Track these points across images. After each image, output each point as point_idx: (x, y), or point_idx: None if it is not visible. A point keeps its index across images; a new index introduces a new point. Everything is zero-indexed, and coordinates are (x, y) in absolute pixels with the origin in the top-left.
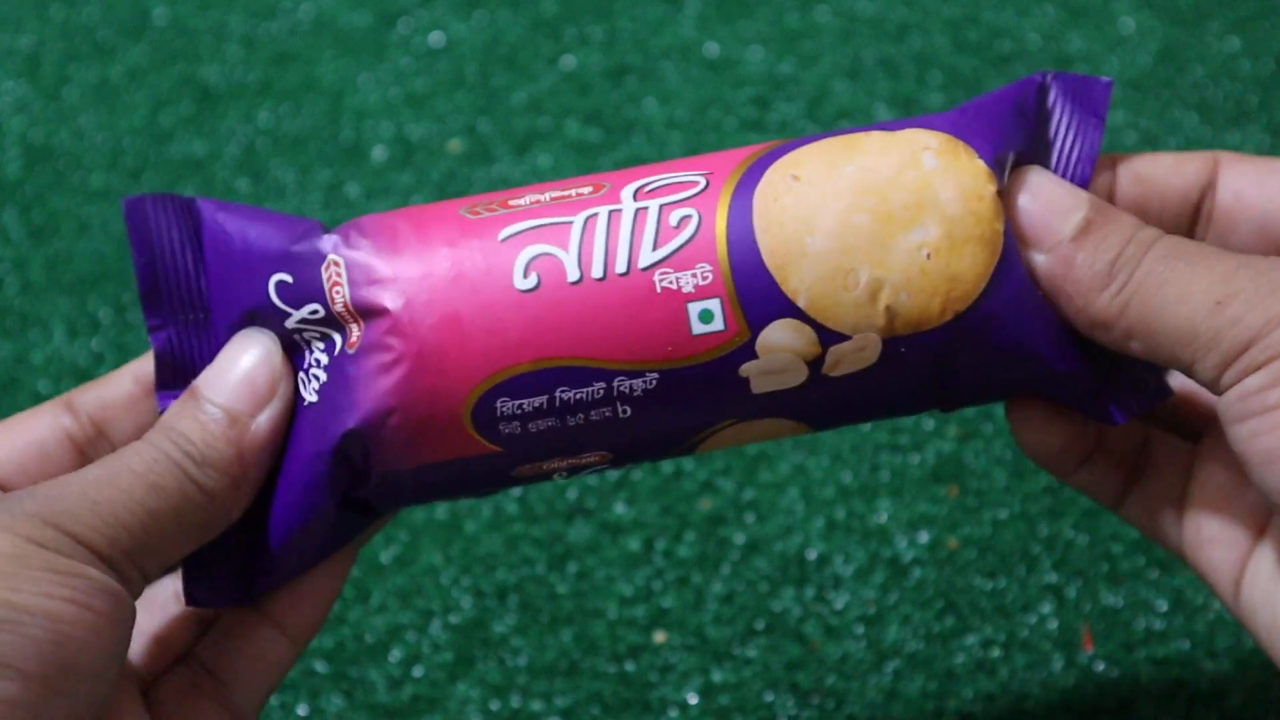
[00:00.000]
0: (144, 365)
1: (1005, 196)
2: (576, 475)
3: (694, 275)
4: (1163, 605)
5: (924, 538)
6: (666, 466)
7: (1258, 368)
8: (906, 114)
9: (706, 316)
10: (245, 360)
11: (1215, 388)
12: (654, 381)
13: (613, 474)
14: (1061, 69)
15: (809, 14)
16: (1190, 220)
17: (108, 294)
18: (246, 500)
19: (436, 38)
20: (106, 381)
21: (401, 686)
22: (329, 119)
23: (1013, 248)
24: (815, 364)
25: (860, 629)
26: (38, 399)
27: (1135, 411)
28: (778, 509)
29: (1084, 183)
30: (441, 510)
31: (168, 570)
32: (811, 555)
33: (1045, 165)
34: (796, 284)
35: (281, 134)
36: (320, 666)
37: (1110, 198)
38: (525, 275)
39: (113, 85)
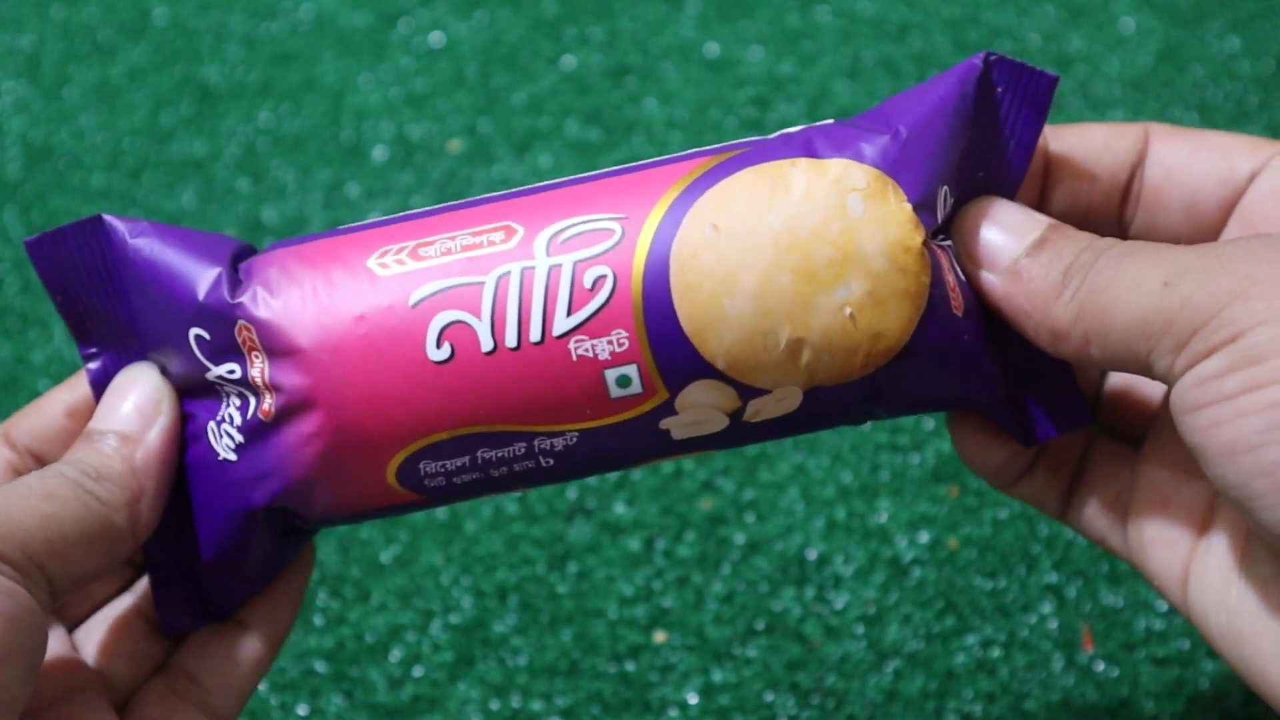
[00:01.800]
0: (74, 395)
1: (953, 225)
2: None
3: (609, 342)
4: (1163, 605)
5: (924, 537)
6: (666, 466)
7: (1211, 351)
8: None
9: (624, 381)
10: (131, 395)
11: (1169, 378)
12: (574, 439)
13: (613, 475)
14: (1061, 69)
15: (809, 14)
16: (1121, 199)
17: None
18: (150, 515)
19: (437, 38)
20: (38, 413)
21: (401, 686)
22: (329, 119)
23: (940, 298)
24: (736, 414)
25: (860, 629)
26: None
27: (1056, 433)
28: (778, 509)
29: (1021, 173)
30: (441, 510)
31: (81, 583)
32: (812, 555)
33: (985, 157)
34: (715, 348)
35: (281, 134)
36: (320, 666)
37: (1042, 179)
38: (439, 346)
39: (113, 85)
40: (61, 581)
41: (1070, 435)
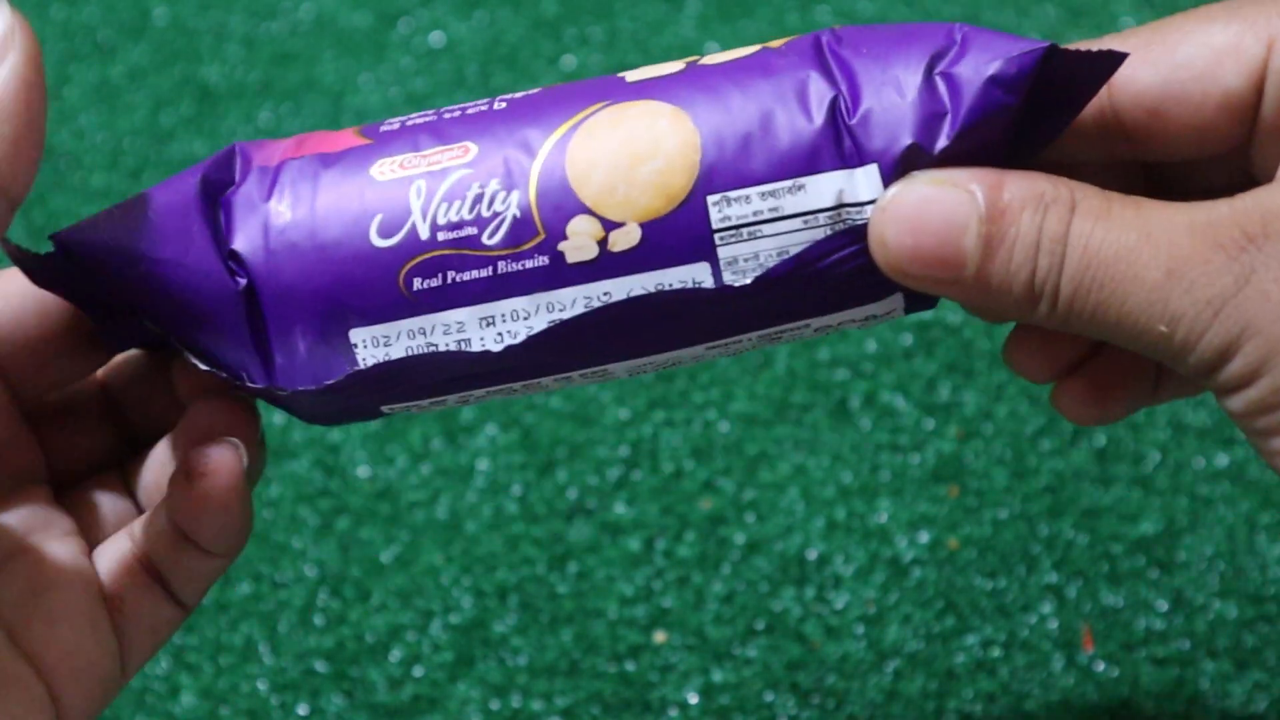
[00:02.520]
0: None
1: (875, 234)
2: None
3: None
4: (1163, 605)
5: (924, 538)
6: (667, 466)
7: (1233, 391)
8: None
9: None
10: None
11: (1187, 369)
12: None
13: (613, 473)
14: None
15: (809, 14)
16: (1244, 131)
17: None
18: (19, 161)
19: (437, 38)
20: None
21: (401, 686)
22: (329, 119)
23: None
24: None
25: (860, 629)
26: None
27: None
28: (778, 509)
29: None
30: (442, 510)
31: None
32: (812, 555)
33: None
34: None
35: (282, 134)
36: (320, 666)
37: (1120, 129)
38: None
39: (113, 85)
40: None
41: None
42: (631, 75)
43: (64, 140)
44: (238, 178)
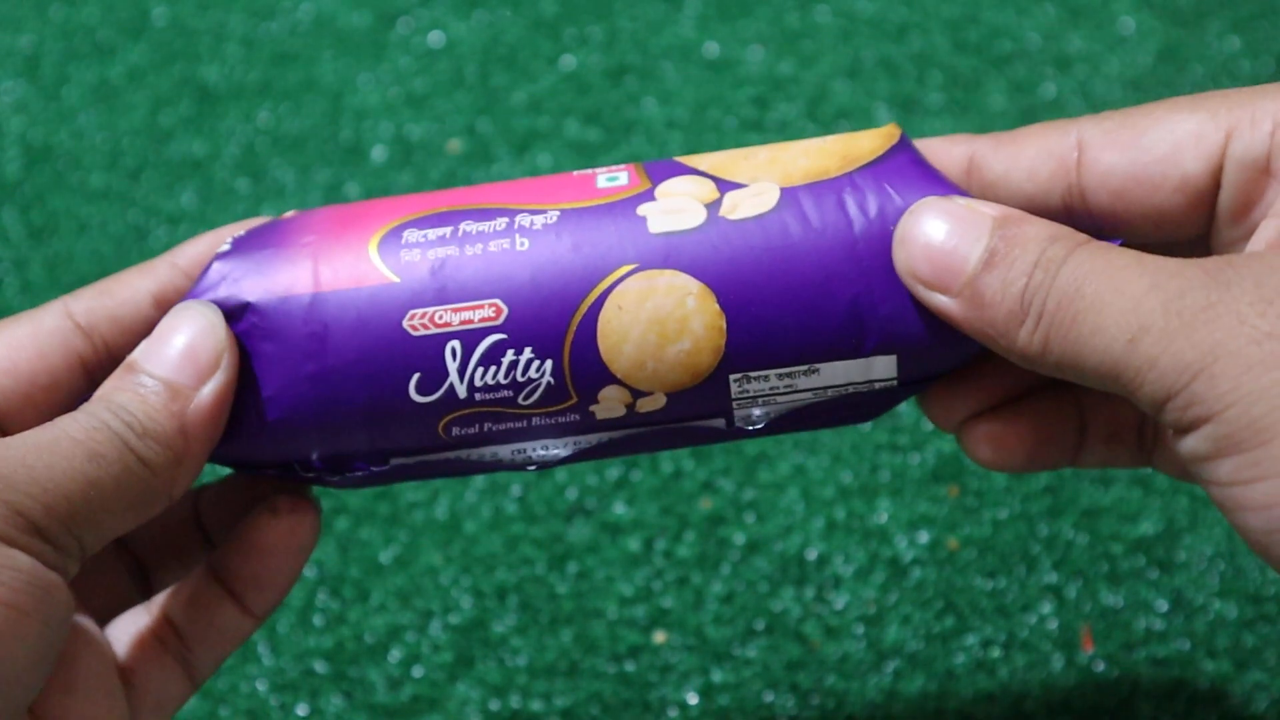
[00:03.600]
0: (158, 282)
1: (894, 243)
2: (474, 354)
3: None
4: (1163, 605)
5: (924, 538)
6: (666, 466)
7: (1192, 426)
8: (905, 114)
9: (612, 179)
10: (185, 331)
11: (1160, 421)
12: (554, 217)
13: (613, 473)
14: (1061, 69)
15: (809, 14)
16: (1067, 217)
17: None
18: (191, 475)
19: (436, 38)
20: (119, 297)
21: (401, 686)
22: (329, 119)
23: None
24: (713, 206)
25: (860, 629)
26: None
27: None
28: (778, 509)
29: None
30: (441, 510)
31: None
32: (811, 555)
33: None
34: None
35: (281, 134)
36: (320, 666)
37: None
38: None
39: (113, 85)
40: (92, 547)
41: (1123, 403)
42: (653, 214)
43: (64, 140)
44: (270, 302)
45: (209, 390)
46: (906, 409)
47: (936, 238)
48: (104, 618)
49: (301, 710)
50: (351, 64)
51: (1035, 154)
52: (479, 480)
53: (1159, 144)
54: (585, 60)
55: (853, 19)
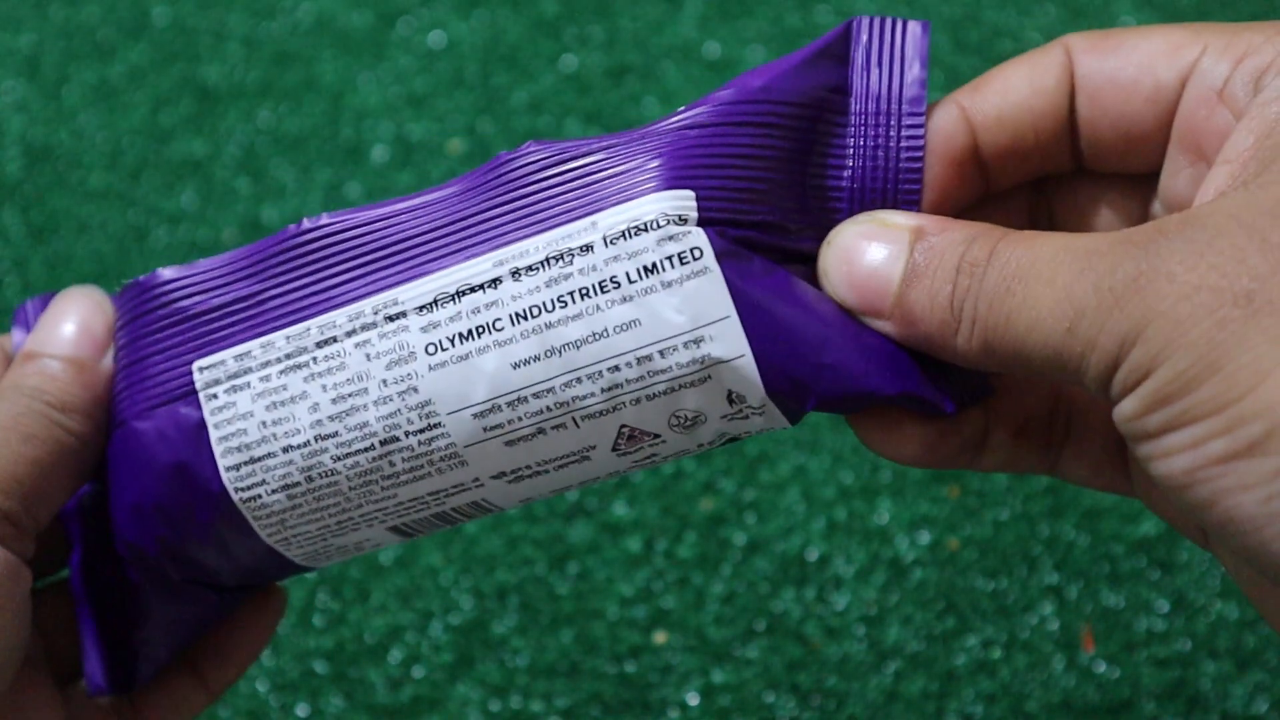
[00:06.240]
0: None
1: (818, 273)
2: None
3: None
4: (1164, 606)
5: (925, 538)
6: (667, 466)
7: (1126, 392)
8: None
9: None
10: (74, 313)
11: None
12: None
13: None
14: None
15: (809, 14)
16: (1070, 143)
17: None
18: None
19: (436, 38)
20: None
21: (401, 687)
22: (329, 119)
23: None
24: None
25: (861, 629)
26: None
27: (966, 404)
28: (778, 509)
29: (917, 184)
30: None
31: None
32: (812, 556)
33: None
34: None
35: (281, 134)
36: (320, 666)
37: (972, 153)
38: None
39: (113, 85)
40: (44, 523)
41: (1032, 395)
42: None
43: (64, 140)
44: None
45: (109, 360)
46: None
47: (856, 263)
48: (68, 678)
49: (302, 711)
50: (352, 64)
51: (1029, 70)
52: None
53: (1138, 50)
54: (586, 60)
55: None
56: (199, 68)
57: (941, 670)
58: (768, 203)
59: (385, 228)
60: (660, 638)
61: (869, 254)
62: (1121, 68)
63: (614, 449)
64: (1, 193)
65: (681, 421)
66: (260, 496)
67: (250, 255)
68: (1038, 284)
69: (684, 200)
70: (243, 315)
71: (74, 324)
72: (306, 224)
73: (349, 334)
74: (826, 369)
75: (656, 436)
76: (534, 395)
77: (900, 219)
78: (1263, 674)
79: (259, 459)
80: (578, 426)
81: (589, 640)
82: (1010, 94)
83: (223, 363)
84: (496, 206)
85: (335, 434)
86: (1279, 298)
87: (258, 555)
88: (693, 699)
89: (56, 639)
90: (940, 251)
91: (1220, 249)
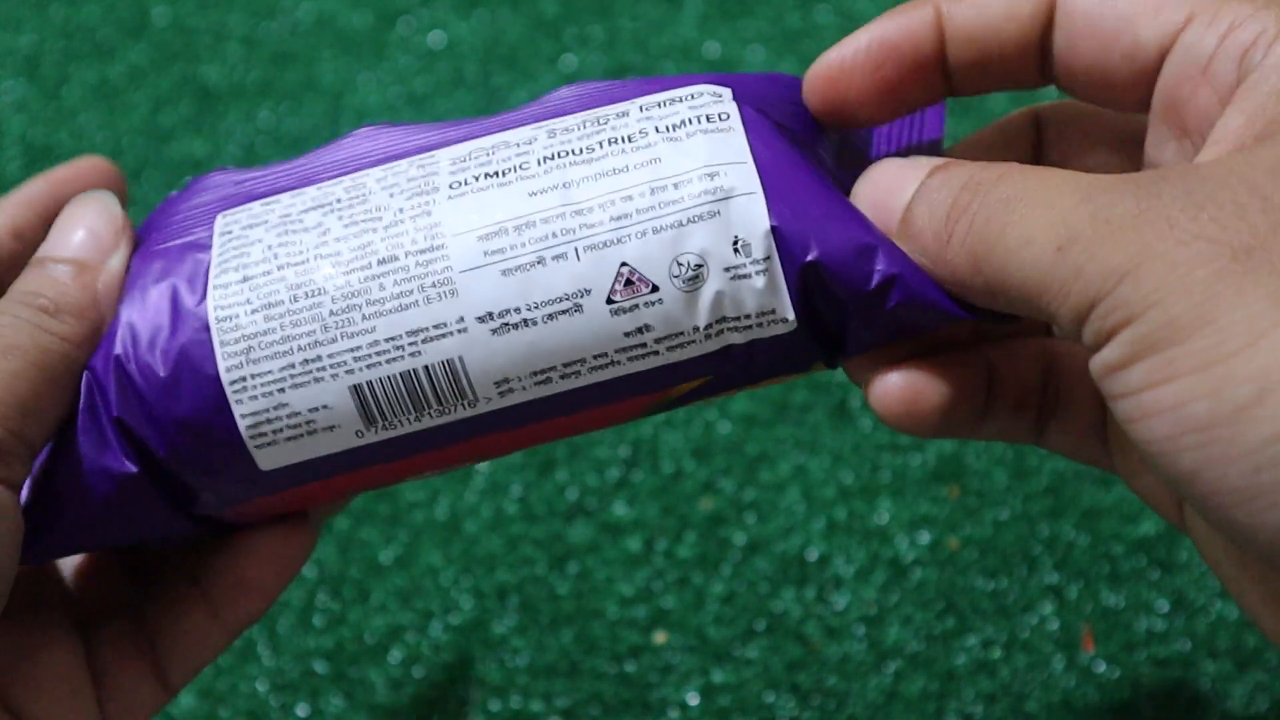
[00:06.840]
0: (13, 218)
1: (852, 195)
2: None
3: None
4: (1164, 606)
5: (925, 538)
6: (667, 466)
7: (1111, 333)
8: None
9: None
10: (83, 218)
11: (1081, 343)
12: None
13: (613, 474)
14: None
15: (809, 14)
16: (1039, 61)
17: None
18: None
19: (436, 38)
20: None
21: (401, 687)
22: (329, 119)
23: None
24: None
25: (861, 629)
26: None
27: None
28: (778, 509)
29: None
30: (441, 511)
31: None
32: (812, 556)
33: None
34: None
35: (281, 134)
36: (320, 666)
37: (937, 61)
38: None
39: (113, 85)
40: (38, 441)
41: (1029, 364)
42: None
43: (64, 140)
44: None
45: (117, 261)
46: None
47: (879, 182)
48: (95, 620)
49: (302, 711)
50: (352, 64)
51: None
52: (479, 480)
53: (1123, 1)
54: (586, 60)
55: (853, 19)
56: (199, 68)
57: (941, 670)
58: (802, 121)
59: (433, 126)
60: (660, 638)
61: (891, 175)
62: (1103, 16)
63: (609, 300)
64: (2, 193)
65: (683, 271)
66: (237, 316)
67: (303, 157)
68: (1037, 206)
69: (722, 88)
70: (281, 181)
71: (83, 228)
72: (362, 128)
73: (379, 180)
74: (832, 227)
75: (655, 289)
76: (542, 220)
77: (927, 159)
78: (1263, 674)
79: (251, 278)
80: (578, 259)
81: (589, 640)
82: (987, 9)
83: (249, 209)
84: (539, 110)
85: (336, 253)
86: (1279, 258)
87: (203, 399)
88: (693, 699)
89: (79, 582)
90: (951, 172)
91: (1221, 203)
